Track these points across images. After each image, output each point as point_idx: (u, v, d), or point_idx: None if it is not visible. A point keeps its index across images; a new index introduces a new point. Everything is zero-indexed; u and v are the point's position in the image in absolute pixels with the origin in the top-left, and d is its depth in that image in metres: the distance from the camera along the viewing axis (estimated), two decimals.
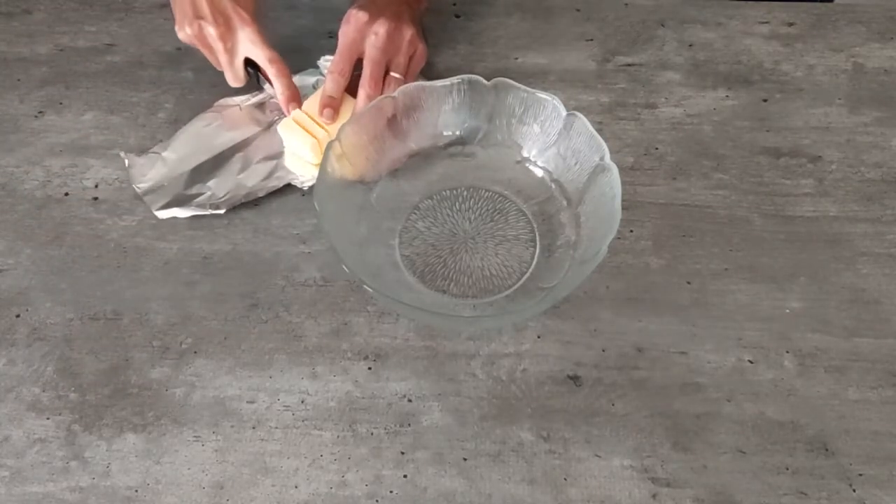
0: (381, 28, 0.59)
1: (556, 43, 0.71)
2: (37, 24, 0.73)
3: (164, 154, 0.61)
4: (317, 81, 0.66)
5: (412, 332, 0.53)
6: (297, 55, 0.68)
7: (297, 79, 0.63)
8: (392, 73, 0.60)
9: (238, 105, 0.65)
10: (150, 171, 0.60)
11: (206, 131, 0.63)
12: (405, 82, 0.60)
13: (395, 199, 0.59)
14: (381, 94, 0.59)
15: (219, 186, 0.60)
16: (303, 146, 0.58)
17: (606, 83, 0.68)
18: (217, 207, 0.59)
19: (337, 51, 0.60)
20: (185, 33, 0.60)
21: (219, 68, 0.63)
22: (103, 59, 0.70)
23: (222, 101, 0.65)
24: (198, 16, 0.59)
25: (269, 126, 0.64)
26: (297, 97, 0.61)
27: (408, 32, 0.60)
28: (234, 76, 0.64)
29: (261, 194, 0.60)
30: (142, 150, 0.62)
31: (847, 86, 0.68)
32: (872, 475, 0.47)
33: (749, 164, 0.62)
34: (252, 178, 0.60)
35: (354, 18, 0.59)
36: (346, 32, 0.60)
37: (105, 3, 0.75)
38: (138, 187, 0.59)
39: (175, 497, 0.47)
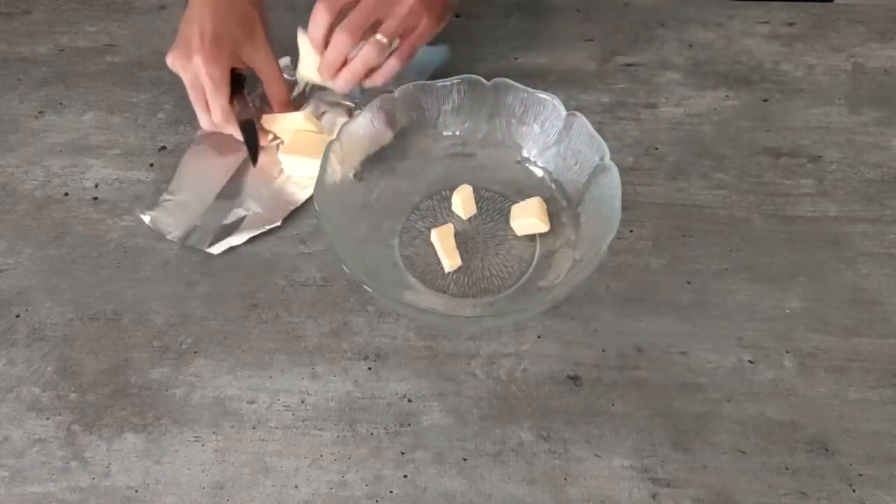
0: None
1: (556, 43, 0.71)
2: (37, 24, 0.73)
3: (177, 198, 0.60)
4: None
5: (412, 332, 0.53)
6: (297, 55, 0.68)
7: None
8: (377, 35, 0.56)
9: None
10: (173, 218, 0.59)
11: (202, 164, 0.62)
12: (390, 53, 0.58)
13: (395, 199, 0.59)
14: (354, 47, 0.56)
15: (255, 204, 0.59)
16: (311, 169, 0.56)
17: (606, 83, 0.68)
18: (271, 221, 0.58)
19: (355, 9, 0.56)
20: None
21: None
22: (103, 59, 0.70)
23: (201, 132, 0.64)
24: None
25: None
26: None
27: (409, 1, 0.56)
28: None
29: (303, 199, 0.60)
30: (153, 202, 0.61)
31: (847, 86, 0.68)
32: (872, 475, 0.47)
33: (749, 164, 0.62)
34: (284, 188, 0.60)
35: None
36: None
37: (105, 4, 0.75)
38: (173, 237, 0.58)
39: (175, 497, 0.47)
